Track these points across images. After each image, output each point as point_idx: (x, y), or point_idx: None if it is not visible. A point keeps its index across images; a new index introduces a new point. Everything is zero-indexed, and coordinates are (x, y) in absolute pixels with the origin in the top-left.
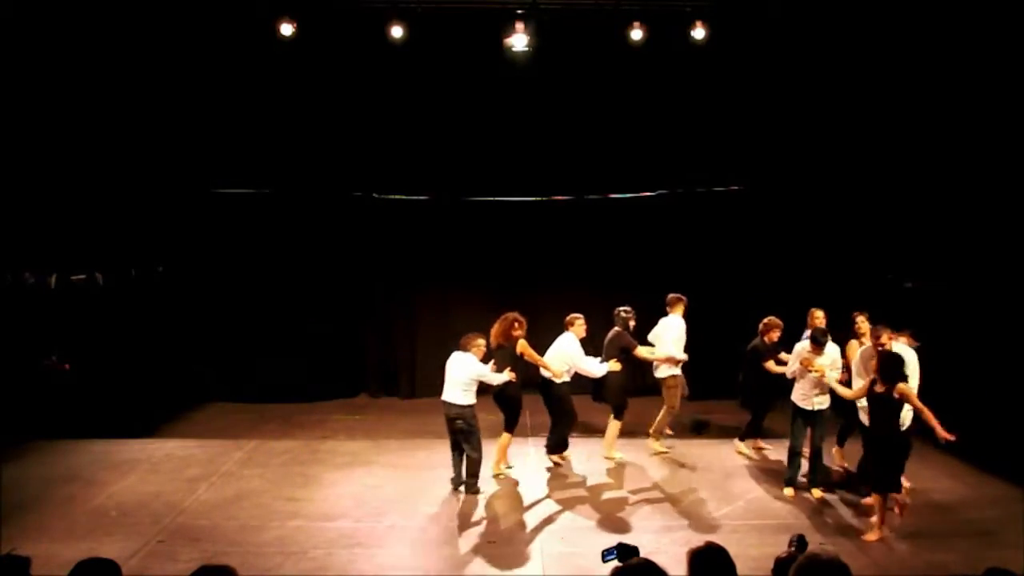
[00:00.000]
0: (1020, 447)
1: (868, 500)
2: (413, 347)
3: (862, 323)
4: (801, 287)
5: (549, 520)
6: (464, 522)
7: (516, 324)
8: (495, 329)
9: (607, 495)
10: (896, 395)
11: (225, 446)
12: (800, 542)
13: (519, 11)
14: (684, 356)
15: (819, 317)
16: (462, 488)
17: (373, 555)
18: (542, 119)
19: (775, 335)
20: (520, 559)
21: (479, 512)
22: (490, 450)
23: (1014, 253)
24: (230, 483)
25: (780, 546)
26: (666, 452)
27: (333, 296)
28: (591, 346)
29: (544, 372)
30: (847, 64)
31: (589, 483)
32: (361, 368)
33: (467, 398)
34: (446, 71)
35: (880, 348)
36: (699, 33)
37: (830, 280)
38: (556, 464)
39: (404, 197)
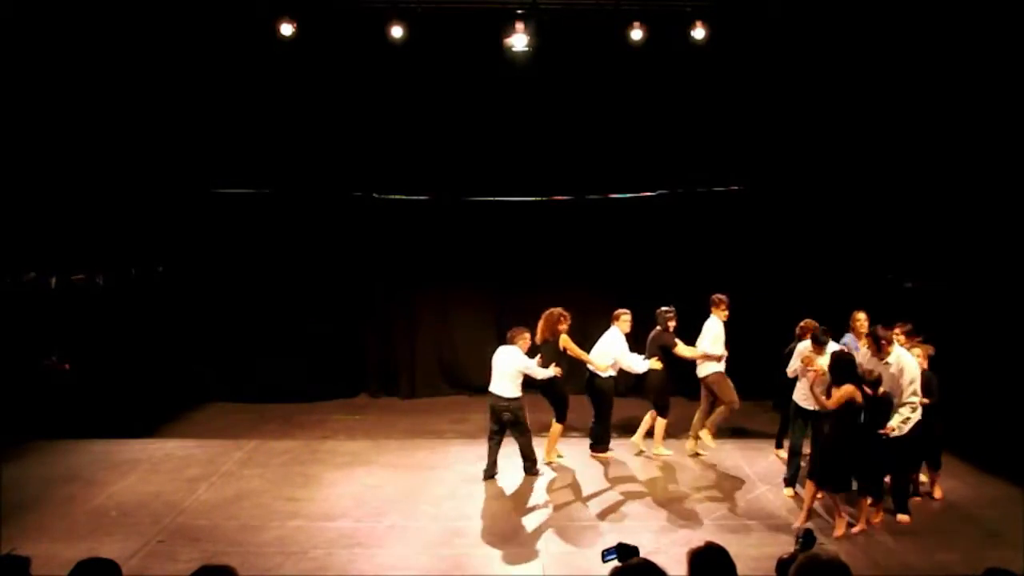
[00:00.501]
0: (1020, 447)
1: (903, 518)
2: (413, 347)
3: (899, 335)
4: (801, 287)
5: (549, 520)
6: (464, 522)
7: (560, 319)
8: (540, 325)
9: (607, 495)
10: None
11: (225, 446)
12: (807, 537)
13: (519, 11)
14: (721, 352)
15: (860, 320)
16: (495, 477)
17: (373, 555)
18: (542, 119)
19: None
20: (520, 559)
21: (479, 512)
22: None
23: (1014, 253)
24: (230, 483)
25: (780, 546)
26: (707, 451)
27: (333, 296)
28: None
29: (589, 366)
30: (847, 64)
31: (589, 483)
32: (361, 368)
33: (514, 390)
34: (446, 71)
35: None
36: (699, 33)
37: (830, 280)
38: (602, 462)
39: (404, 197)
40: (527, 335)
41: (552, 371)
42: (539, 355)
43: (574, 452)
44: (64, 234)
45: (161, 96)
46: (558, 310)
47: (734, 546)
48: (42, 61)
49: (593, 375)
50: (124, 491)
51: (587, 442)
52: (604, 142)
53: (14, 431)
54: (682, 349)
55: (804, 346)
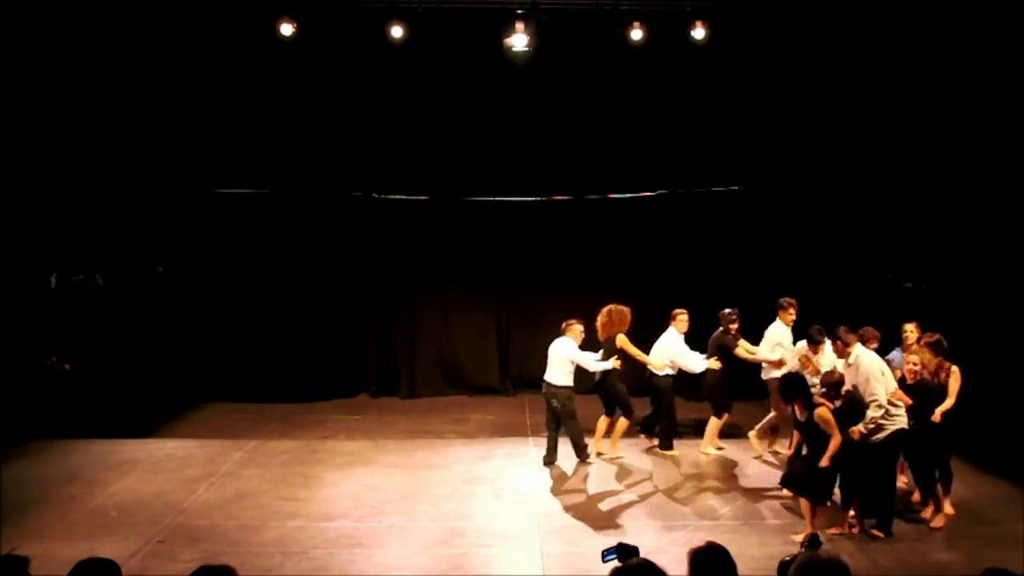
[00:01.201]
0: (1020, 447)
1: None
2: (413, 347)
3: (923, 346)
4: (800, 287)
5: (549, 520)
6: (464, 522)
7: (624, 318)
8: (599, 321)
9: (608, 495)
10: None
11: (225, 446)
12: (812, 541)
13: (519, 11)
14: (775, 357)
15: (908, 331)
16: (554, 464)
17: (373, 555)
18: (542, 119)
19: (872, 345)
20: (520, 559)
21: (479, 512)
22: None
23: (1014, 253)
24: (230, 483)
25: (780, 546)
26: (759, 455)
27: (333, 296)
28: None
29: (650, 366)
30: (847, 64)
31: (590, 483)
32: (361, 368)
33: (563, 379)
34: (446, 71)
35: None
36: (699, 33)
37: (830, 280)
38: (663, 455)
39: (404, 197)
40: (577, 327)
41: (609, 364)
42: (601, 351)
43: (571, 453)
44: (64, 234)
45: (161, 96)
46: (625, 309)
47: (734, 546)
48: (42, 61)
49: (652, 374)
50: (124, 491)
51: (593, 440)
52: (604, 142)
53: (14, 431)
54: (742, 351)
55: (801, 346)
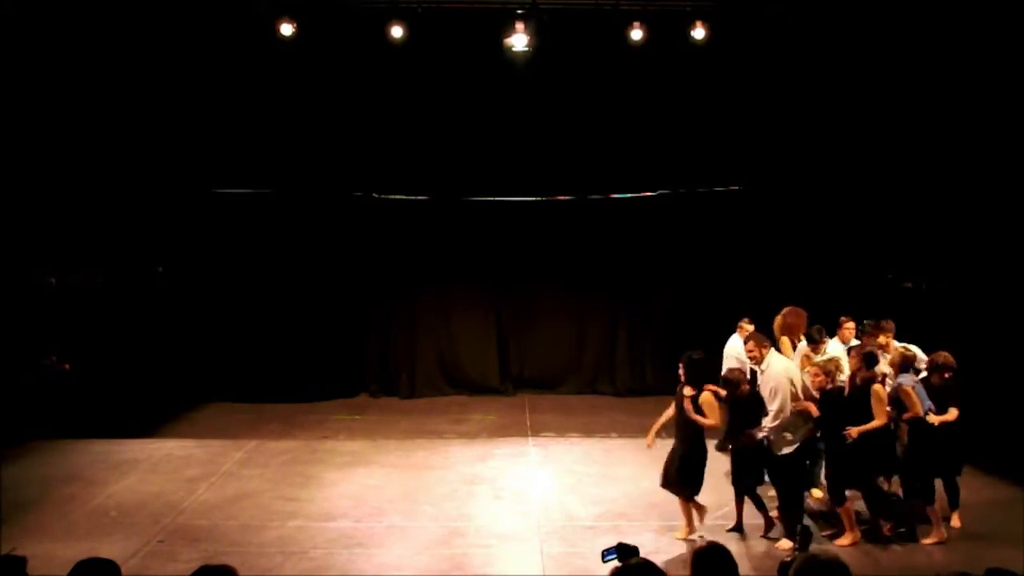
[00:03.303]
0: (1020, 447)
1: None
2: (413, 347)
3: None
4: (801, 287)
5: (549, 520)
6: (464, 522)
7: (786, 316)
8: (775, 323)
9: (607, 495)
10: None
11: (225, 446)
12: (804, 535)
13: (519, 11)
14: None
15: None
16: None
17: (373, 555)
18: (542, 119)
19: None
20: (520, 559)
21: (479, 512)
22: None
23: (1014, 252)
24: (230, 483)
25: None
26: None
27: (333, 296)
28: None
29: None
30: (847, 64)
31: (590, 483)
32: (361, 368)
33: None
34: (446, 71)
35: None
36: (699, 33)
37: (830, 280)
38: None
39: (404, 197)
40: (748, 327)
41: None
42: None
43: (576, 450)
44: (64, 234)
45: (161, 96)
46: (787, 308)
47: (735, 546)
48: (42, 61)
49: None
50: (124, 491)
51: (582, 442)
52: (605, 142)
53: (14, 431)
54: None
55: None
